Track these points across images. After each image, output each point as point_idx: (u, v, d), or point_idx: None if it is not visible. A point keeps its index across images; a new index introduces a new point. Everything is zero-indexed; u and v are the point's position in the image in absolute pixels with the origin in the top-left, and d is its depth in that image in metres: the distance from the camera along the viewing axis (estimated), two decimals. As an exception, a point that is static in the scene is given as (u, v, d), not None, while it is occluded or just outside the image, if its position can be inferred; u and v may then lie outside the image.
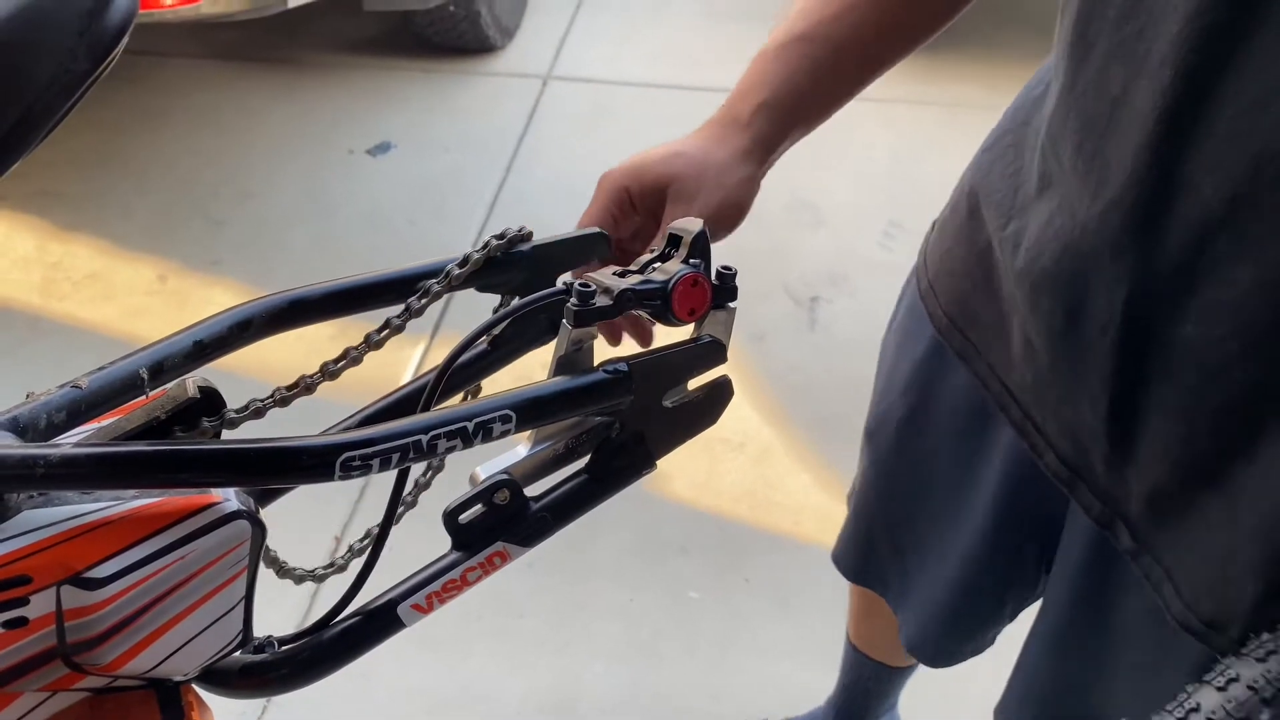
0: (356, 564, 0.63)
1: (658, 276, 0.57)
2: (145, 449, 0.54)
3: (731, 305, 0.59)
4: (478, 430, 0.52)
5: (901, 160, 2.82)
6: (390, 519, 0.57)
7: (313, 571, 0.68)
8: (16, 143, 0.42)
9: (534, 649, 1.72)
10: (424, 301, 0.60)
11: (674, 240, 0.59)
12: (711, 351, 0.58)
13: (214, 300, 2.38)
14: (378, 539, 0.58)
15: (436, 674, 1.68)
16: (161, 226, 2.60)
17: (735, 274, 0.58)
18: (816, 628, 1.73)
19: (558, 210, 2.57)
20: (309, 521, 1.84)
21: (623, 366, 0.56)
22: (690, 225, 0.58)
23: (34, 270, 2.46)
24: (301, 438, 0.53)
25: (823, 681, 1.67)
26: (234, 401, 0.61)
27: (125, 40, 0.42)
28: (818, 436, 2.05)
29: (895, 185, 2.72)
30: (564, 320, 0.55)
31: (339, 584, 0.62)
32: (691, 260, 0.57)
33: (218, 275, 2.46)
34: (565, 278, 0.66)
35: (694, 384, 0.61)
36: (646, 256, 0.60)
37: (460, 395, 0.70)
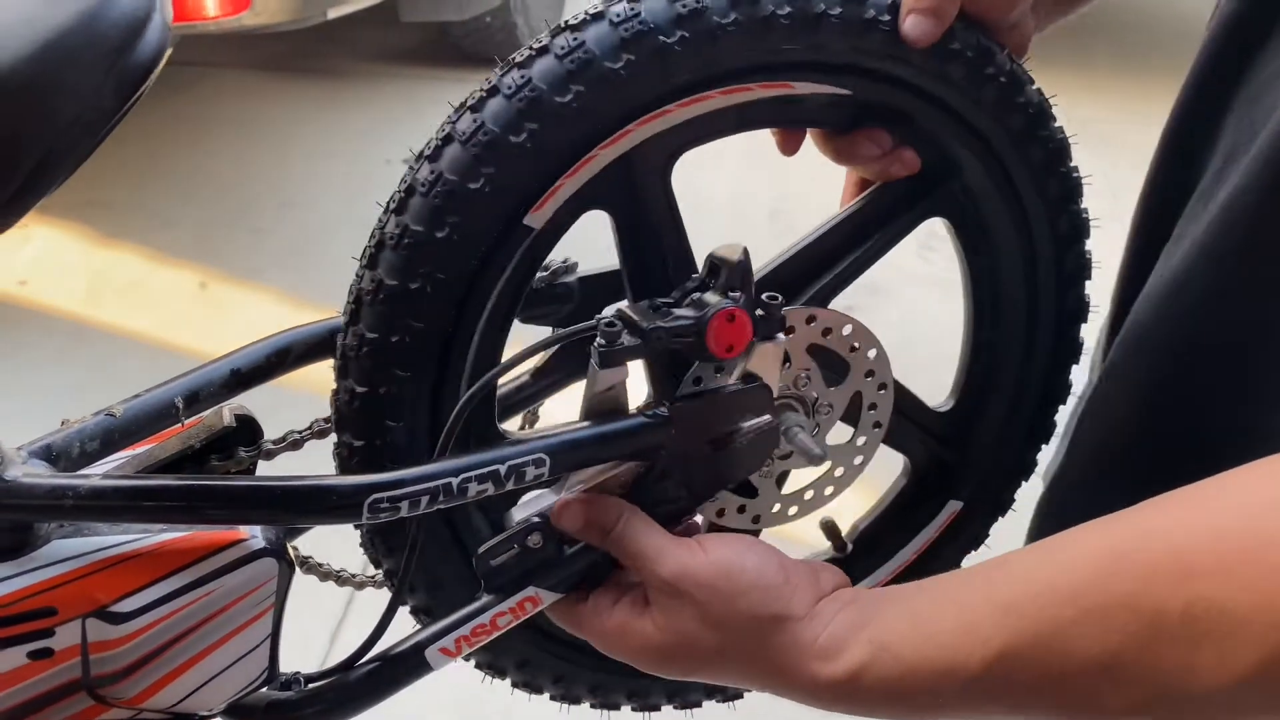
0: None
1: (691, 311, 0.53)
2: (172, 484, 0.53)
3: (780, 337, 0.55)
4: (510, 474, 0.50)
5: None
6: (411, 559, 0.55)
7: (373, 577, 0.67)
8: (40, 179, 0.41)
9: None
10: None
11: (715, 269, 0.55)
12: (757, 396, 0.55)
13: (254, 308, 2.40)
14: (400, 580, 0.56)
15: (472, 691, 1.67)
16: (203, 235, 2.63)
17: (781, 303, 0.54)
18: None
19: (593, 221, 2.55)
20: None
21: (663, 411, 0.54)
22: (730, 254, 0.54)
23: (79, 278, 2.49)
24: (330, 477, 0.52)
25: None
26: (269, 423, 0.60)
27: (154, 77, 0.42)
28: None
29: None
30: (591, 360, 0.52)
31: (361, 622, 0.60)
32: (731, 292, 0.53)
33: (258, 284, 2.48)
34: (609, 310, 0.63)
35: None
36: (688, 285, 0.56)
37: (518, 422, 0.68)
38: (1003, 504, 0.72)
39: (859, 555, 0.71)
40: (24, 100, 0.39)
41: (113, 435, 0.60)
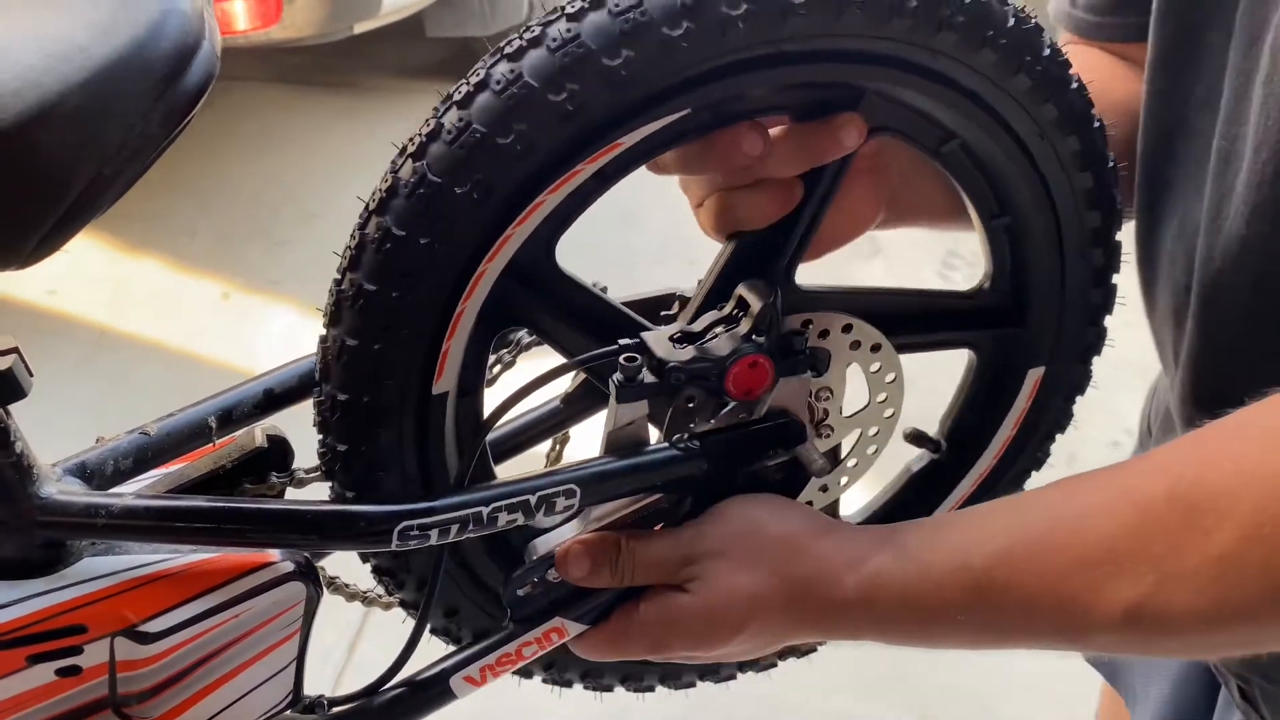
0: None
1: (715, 349, 0.53)
2: (203, 505, 0.53)
3: (806, 374, 0.54)
4: (540, 504, 0.50)
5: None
6: (433, 588, 0.55)
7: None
8: (88, 203, 0.42)
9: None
10: (497, 370, 0.58)
11: (744, 304, 0.55)
12: (791, 431, 0.55)
13: (275, 319, 2.42)
14: (423, 608, 0.56)
15: (488, 693, 1.67)
16: (225, 246, 2.66)
17: (807, 339, 0.54)
18: (873, 659, 1.69)
19: (618, 241, 2.56)
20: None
21: (694, 444, 0.54)
22: (759, 295, 0.53)
23: (102, 288, 2.52)
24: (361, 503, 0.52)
25: (870, 713, 1.64)
26: (302, 447, 0.60)
27: (201, 104, 0.42)
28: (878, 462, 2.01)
29: (956, 218, 2.67)
30: (610, 396, 0.52)
31: (378, 633, 0.60)
32: (756, 335, 0.53)
33: (279, 294, 2.50)
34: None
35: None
36: (714, 315, 0.56)
37: (550, 448, 0.68)
38: (1096, 344, 0.66)
39: (955, 450, 0.69)
40: (75, 125, 0.40)
41: (146, 453, 0.60)
